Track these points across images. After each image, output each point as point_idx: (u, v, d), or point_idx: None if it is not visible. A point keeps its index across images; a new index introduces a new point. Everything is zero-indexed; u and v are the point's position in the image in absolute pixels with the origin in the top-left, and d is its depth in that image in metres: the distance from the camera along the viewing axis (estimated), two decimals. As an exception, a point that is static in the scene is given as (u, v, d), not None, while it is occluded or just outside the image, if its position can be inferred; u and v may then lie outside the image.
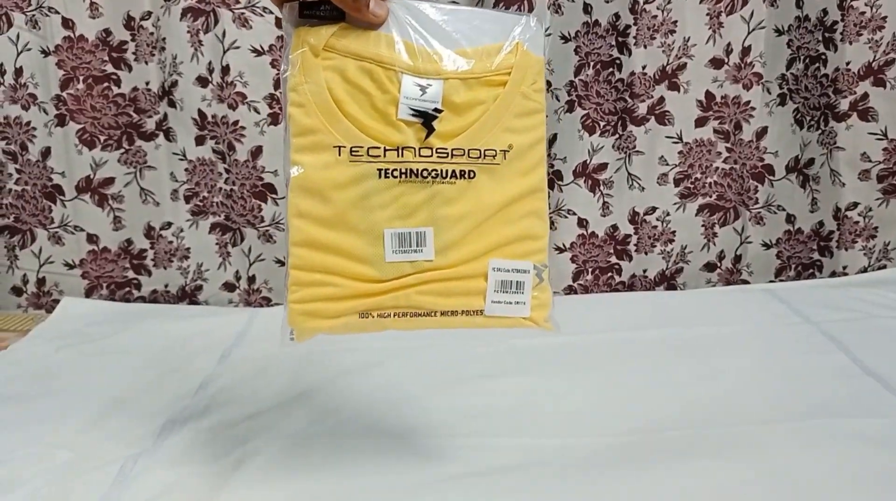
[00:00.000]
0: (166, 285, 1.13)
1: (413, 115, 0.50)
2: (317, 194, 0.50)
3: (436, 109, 0.50)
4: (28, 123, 1.05)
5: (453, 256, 0.52)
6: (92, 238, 1.10)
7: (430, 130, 0.50)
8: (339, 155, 0.49)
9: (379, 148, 0.50)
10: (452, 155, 0.51)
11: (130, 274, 1.12)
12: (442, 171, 0.51)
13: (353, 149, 0.49)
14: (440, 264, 0.52)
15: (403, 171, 0.50)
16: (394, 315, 0.52)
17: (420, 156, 0.50)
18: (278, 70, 1.01)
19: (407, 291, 0.51)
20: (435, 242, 0.51)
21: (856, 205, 1.12)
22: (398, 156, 0.50)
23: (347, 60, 0.49)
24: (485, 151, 0.51)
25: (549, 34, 1.04)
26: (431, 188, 0.51)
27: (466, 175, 0.51)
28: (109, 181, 1.08)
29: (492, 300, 0.52)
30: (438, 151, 0.51)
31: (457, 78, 0.50)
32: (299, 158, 0.49)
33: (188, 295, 1.13)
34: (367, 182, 0.50)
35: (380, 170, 0.50)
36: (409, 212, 0.51)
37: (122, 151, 1.07)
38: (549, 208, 1.11)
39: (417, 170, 0.50)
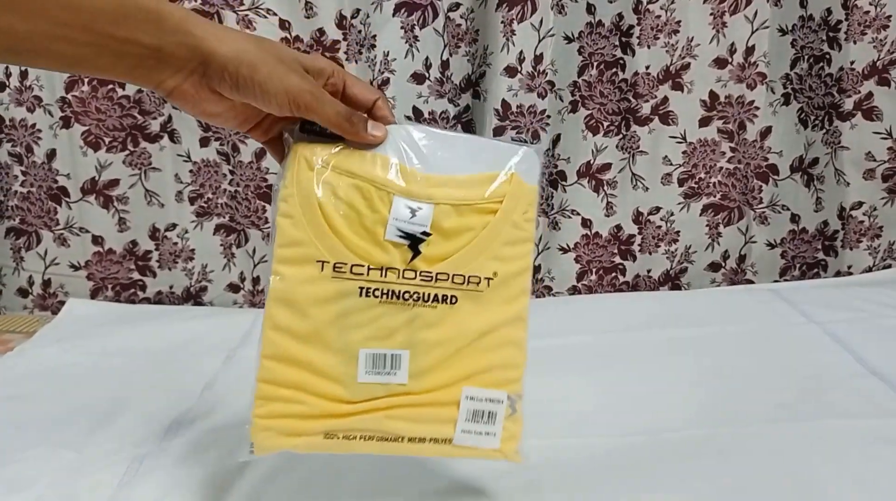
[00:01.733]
0: (171, 287, 1.13)
1: (400, 236, 0.49)
2: (295, 307, 0.49)
3: (424, 233, 0.50)
4: (33, 125, 1.05)
5: (427, 382, 0.51)
6: (97, 240, 1.10)
7: (416, 253, 0.50)
8: (322, 270, 0.49)
9: (363, 266, 0.49)
10: (436, 279, 0.50)
11: (135, 275, 1.12)
12: (424, 294, 0.50)
13: (337, 265, 0.49)
14: (413, 389, 0.50)
15: (385, 291, 0.49)
16: (360, 438, 0.50)
17: (403, 278, 0.49)
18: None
19: (376, 414, 0.50)
20: (410, 366, 0.50)
21: (860, 204, 1.12)
22: (381, 276, 0.49)
23: (341, 177, 0.49)
24: (469, 277, 0.51)
25: (555, 43, 1.04)
26: (412, 311, 0.50)
27: (448, 300, 0.50)
28: (114, 183, 1.08)
29: (462, 430, 0.51)
30: (422, 274, 0.50)
31: (448, 204, 0.50)
32: (281, 270, 0.49)
33: (193, 296, 1.14)
34: (347, 300, 0.49)
35: (361, 288, 0.49)
36: (388, 333, 0.50)
37: (127, 152, 1.07)
38: (553, 209, 1.12)
39: (399, 292, 0.49)
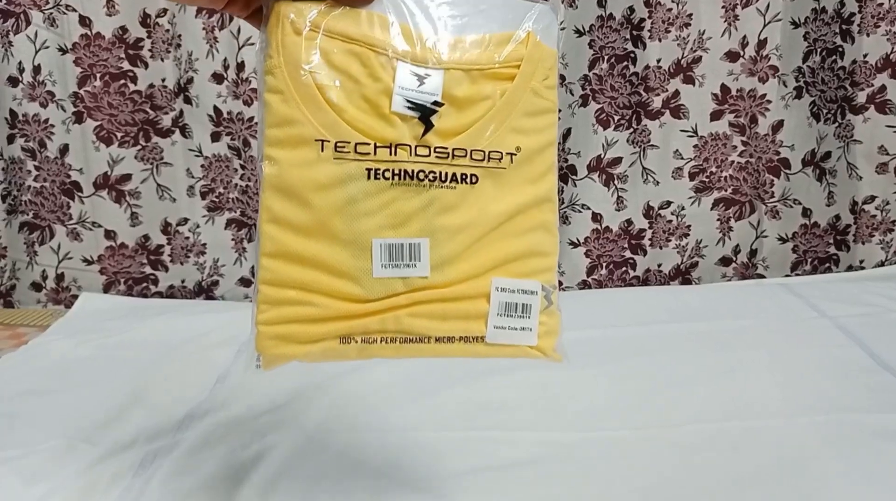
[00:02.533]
0: (183, 281, 1.14)
1: (409, 108, 0.43)
2: (294, 196, 0.43)
3: (435, 103, 0.43)
4: (46, 121, 1.06)
5: (451, 272, 0.44)
6: (110, 234, 1.11)
7: (429, 125, 0.43)
8: (322, 151, 0.42)
9: (369, 144, 0.42)
10: (453, 156, 0.43)
11: (148, 270, 1.13)
12: (441, 173, 0.43)
13: (339, 144, 0.42)
14: (436, 282, 0.44)
15: (396, 172, 0.43)
16: (380, 341, 0.44)
17: (416, 155, 0.43)
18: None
19: (397, 312, 0.44)
20: (431, 256, 0.44)
21: (873, 198, 1.11)
22: (391, 154, 0.43)
23: (334, 41, 0.42)
24: (489, 152, 0.44)
25: (564, 28, 1.04)
26: (428, 193, 0.43)
27: (468, 180, 0.44)
28: (126, 178, 1.09)
29: (494, 326, 0.45)
30: (437, 150, 0.43)
31: (459, 69, 0.43)
32: (274, 153, 0.43)
33: (205, 290, 1.14)
34: (353, 184, 0.42)
35: (369, 170, 0.42)
36: (402, 220, 0.43)
37: (139, 147, 1.08)
38: (564, 203, 1.12)
39: (413, 171, 0.43)
